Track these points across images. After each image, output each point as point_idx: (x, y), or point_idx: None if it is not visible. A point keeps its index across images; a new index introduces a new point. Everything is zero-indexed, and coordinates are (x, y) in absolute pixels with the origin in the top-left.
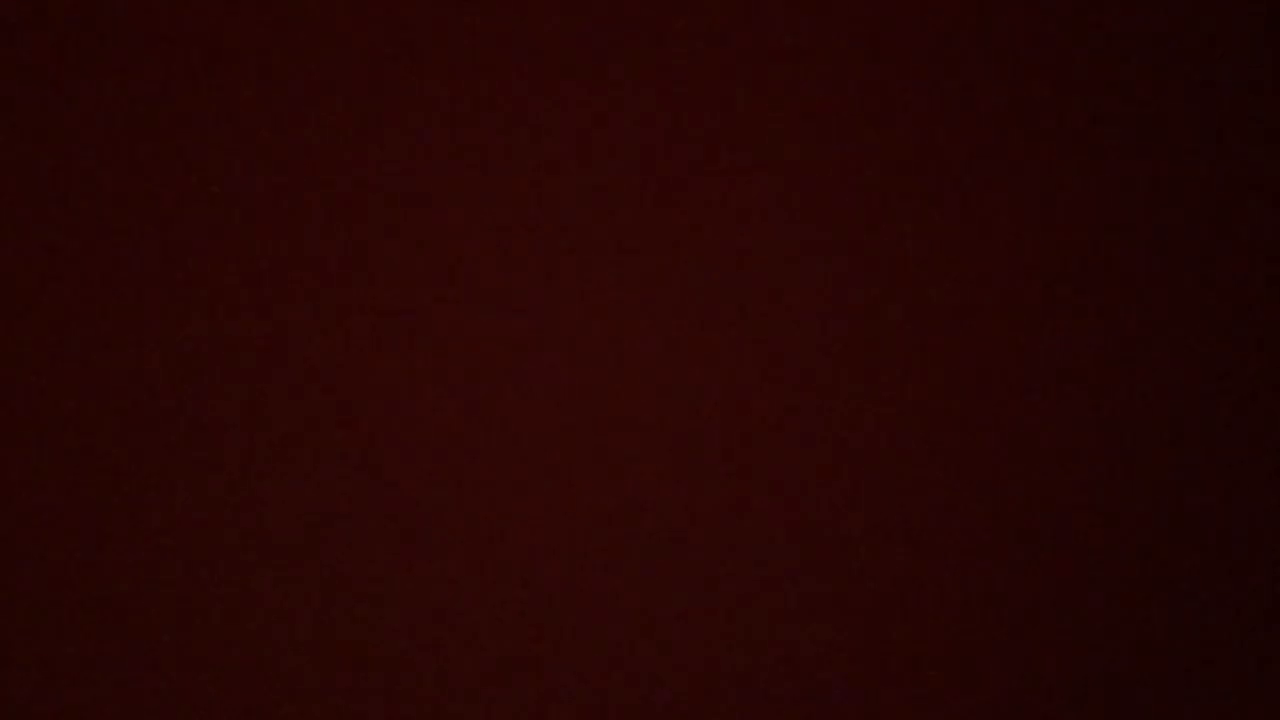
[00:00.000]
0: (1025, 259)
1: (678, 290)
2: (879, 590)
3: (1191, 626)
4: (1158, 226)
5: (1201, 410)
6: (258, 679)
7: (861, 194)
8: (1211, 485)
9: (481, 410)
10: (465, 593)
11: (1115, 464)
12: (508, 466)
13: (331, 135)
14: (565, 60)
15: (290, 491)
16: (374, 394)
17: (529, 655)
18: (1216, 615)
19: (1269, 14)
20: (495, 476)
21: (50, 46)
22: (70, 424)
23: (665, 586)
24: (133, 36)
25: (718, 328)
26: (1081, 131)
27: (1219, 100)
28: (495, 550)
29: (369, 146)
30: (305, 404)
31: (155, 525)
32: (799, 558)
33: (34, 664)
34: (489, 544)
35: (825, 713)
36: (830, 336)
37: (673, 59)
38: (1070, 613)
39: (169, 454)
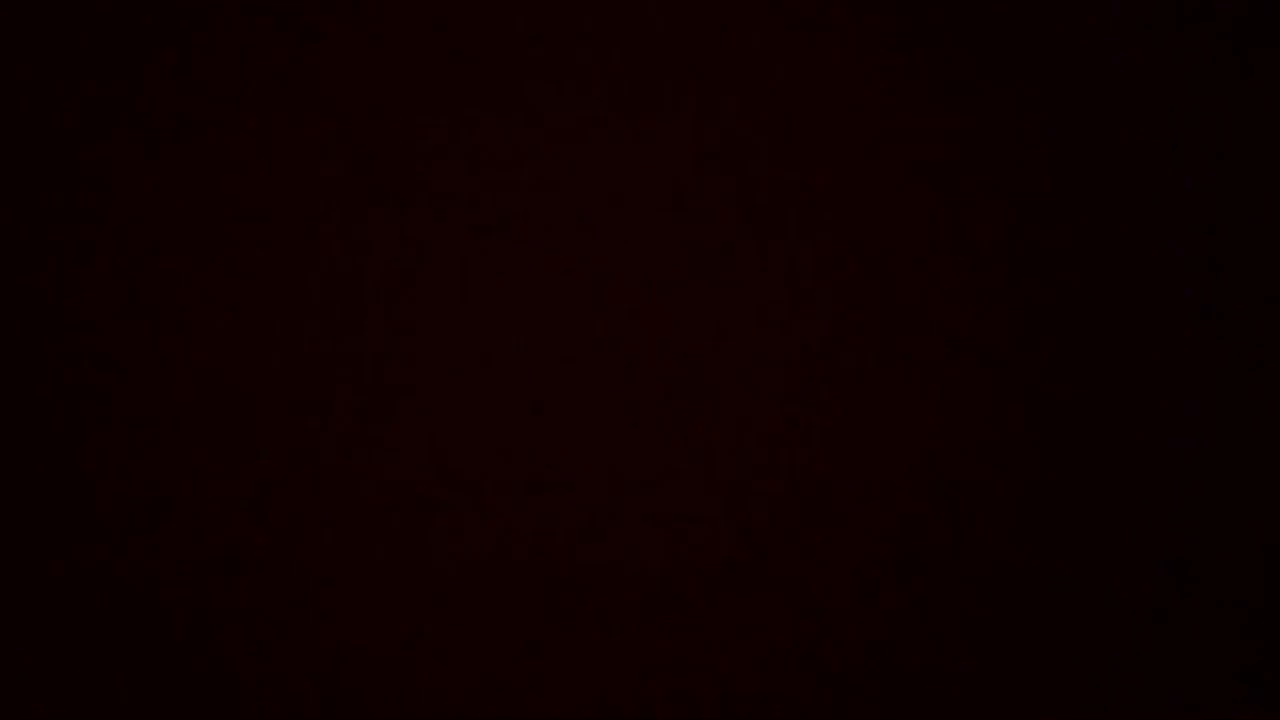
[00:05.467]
0: (1026, 255)
1: (678, 290)
2: (884, 588)
3: (1190, 626)
4: (1158, 226)
5: (1202, 410)
6: (259, 679)
7: (863, 192)
8: (1211, 485)
9: (484, 409)
10: (467, 589)
11: (1117, 462)
12: (510, 466)
13: (331, 134)
14: (567, 57)
15: (292, 491)
16: (376, 394)
17: (530, 654)
18: (1216, 614)
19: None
20: (498, 476)
21: (50, 47)
22: (70, 423)
23: (667, 586)
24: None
25: (718, 327)
26: (1081, 132)
27: (1220, 100)
28: (497, 548)
29: (371, 146)
30: (306, 404)
31: (153, 524)
32: (800, 558)
33: (34, 664)
34: (491, 541)
35: (826, 711)
36: (833, 336)
37: (674, 56)
38: (1076, 614)
39: (169, 451)
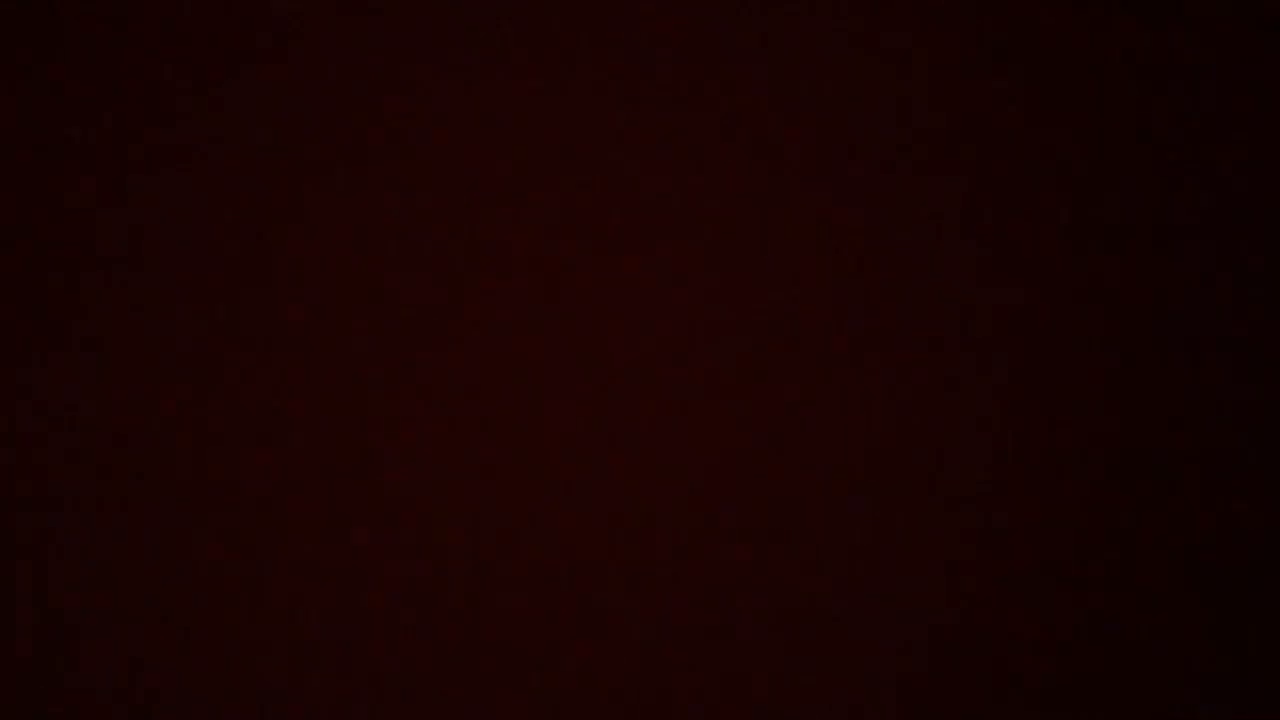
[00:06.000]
0: (1025, 260)
1: (679, 291)
2: (881, 593)
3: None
4: (1158, 228)
5: (1204, 411)
6: (259, 680)
7: (862, 195)
8: (1212, 486)
9: (487, 412)
10: (466, 593)
11: (1116, 464)
12: (510, 469)
13: (334, 136)
14: (566, 59)
15: (292, 493)
16: (376, 396)
17: (529, 657)
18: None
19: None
20: (497, 479)
21: (52, 47)
22: (72, 425)
23: (667, 590)
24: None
25: (717, 329)
26: (1081, 135)
27: (1220, 102)
28: (496, 552)
29: (372, 148)
30: (307, 405)
31: (154, 526)
32: (800, 561)
33: (37, 664)
34: (491, 546)
35: (823, 713)
36: (834, 339)
37: (673, 57)
38: (1077, 617)
39: (170, 453)
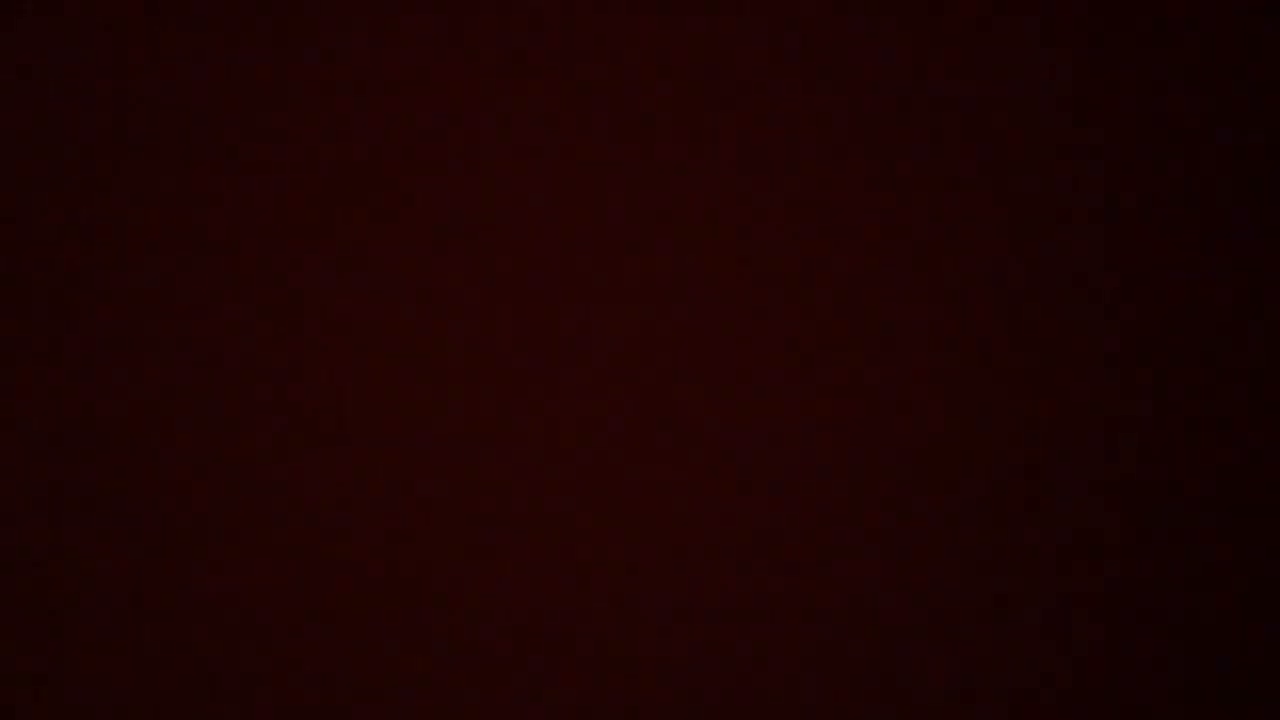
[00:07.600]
0: (1024, 258)
1: (679, 292)
2: (884, 595)
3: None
4: (1159, 227)
5: (1203, 411)
6: (254, 679)
7: (862, 196)
8: (1214, 485)
9: (485, 413)
10: (467, 596)
11: (1118, 463)
12: (508, 469)
13: (335, 139)
14: (565, 62)
15: (291, 492)
16: (376, 396)
17: (529, 659)
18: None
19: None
20: (495, 479)
21: (53, 47)
22: (70, 424)
23: (665, 591)
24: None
25: (714, 330)
26: (1081, 133)
27: (1220, 101)
28: (495, 553)
29: (372, 149)
30: (306, 405)
31: (153, 526)
32: (799, 562)
33: (34, 664)
34: (490, 547)
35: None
36: (833, 339)
37: (671, 61)
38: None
39: (168, 453)
